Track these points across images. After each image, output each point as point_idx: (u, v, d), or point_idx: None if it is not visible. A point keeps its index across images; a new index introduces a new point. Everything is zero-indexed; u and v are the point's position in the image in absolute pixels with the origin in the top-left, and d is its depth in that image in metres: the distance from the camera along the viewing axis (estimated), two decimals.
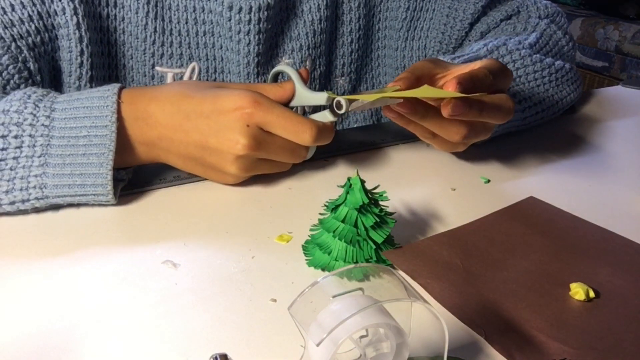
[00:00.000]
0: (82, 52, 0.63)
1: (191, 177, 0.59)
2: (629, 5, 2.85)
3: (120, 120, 0.53)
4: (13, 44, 0.58)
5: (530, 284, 0.45)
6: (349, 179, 0.46)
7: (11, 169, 0.50)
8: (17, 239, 0.49)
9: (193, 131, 0.54)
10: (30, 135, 0.50)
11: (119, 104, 0.53)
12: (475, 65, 0.56)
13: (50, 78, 0.64)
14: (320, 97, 0.55)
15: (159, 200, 0.56)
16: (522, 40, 0.74)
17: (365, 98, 0.52)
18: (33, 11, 0.60)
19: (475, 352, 0.38)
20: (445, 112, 0.50)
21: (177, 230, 0.51)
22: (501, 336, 0.39)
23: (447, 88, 0.50)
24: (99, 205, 0.54)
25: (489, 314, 0.41)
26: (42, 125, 0.51)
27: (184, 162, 0.57)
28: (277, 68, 0.62)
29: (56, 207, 0.53)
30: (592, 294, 0.43)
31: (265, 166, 0.58)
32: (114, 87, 0.53)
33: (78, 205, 0.54)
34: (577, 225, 0.54)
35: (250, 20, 0.67)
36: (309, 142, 0.54)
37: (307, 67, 0.75)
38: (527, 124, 0.73)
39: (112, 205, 0.54)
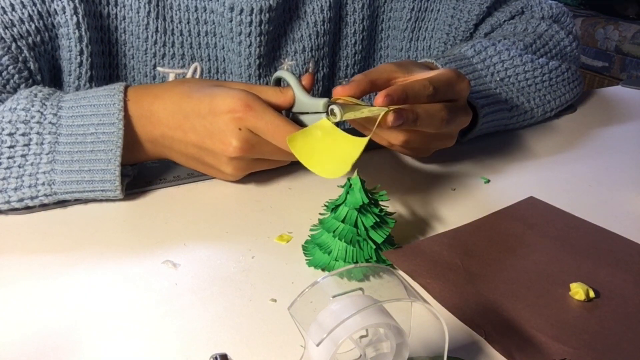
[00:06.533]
0: (81, 52, 0.63)
1: (191, 177, 0.59)
2: (629, 5, 2.85)
3: (126, 117, 0.53)
4: (13, 44, 0.58)
5: (530, 284, 0.45)
6: (349, 179, 0.46)
7: (19, 166, 0.51)
8: (16, 238, 0.49)
9: (191, 131, 0.54)
10: (38, 133, 0.51)
11: (125, 101, 0.54)
12: (424, 75, 0.55)
13: (51, 77, 0.64)
14: (318, 104, 0.54)
15: (159, 200, 0.56)
16: (516, 41, 0.74)
17: (359, 114, 0.50)
18: (33, 11, 0.60)
19: (475, 352, 0.38)
20: (384, 123, 0.50)
21: (177, 230, 0.51)
22: (501, 336, 0.39)
23: (377, 98, 0.50)
24: (99, 204, 0.54)
25: (489, 314, 0.41)
26: (50, 123, 0.51)
27: (186, 160, 0.57)
28: (277, 74, 0.61)
29: (56, 208, 0.53)
30: (592, 294, 0.43)
31: (263, 164, 0.58)
32: (119, 86, 0.54)
33: (79, 205, 0.54)
34: (577, 225, 0.54)
35: (251, 22, 0.67)
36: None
37: (310, 69, 0.74)
38: (515, 122, 0.73)
39: (113, 204, 0.54)
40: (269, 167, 0.59)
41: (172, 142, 0.55)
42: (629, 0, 2.85)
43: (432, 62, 0.65)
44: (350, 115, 0.50)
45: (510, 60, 0.72)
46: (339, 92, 0.52)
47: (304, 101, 0.55)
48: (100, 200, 0.55)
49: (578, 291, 0.43)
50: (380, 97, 0.49)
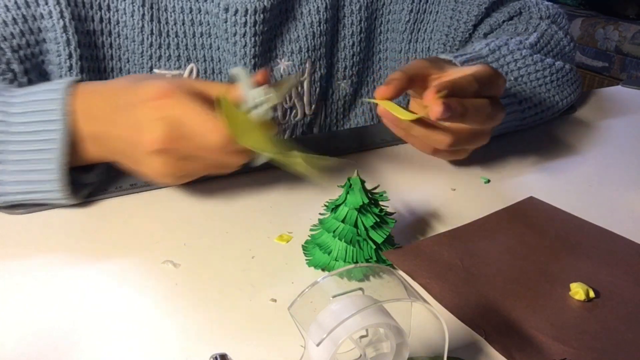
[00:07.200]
0: (70, 55, 0.63)
1: None
2: (629, 5, 2.85)
3: (71, 114, 0.49)
4: None
5: (530, 284, 0.45)
6: (349, 179, 0.46)
7: None
8: (16, 238, 0.49)
9: (119, 125, 0.49)
10: None
11: (70, 97, 0.50)
12: (467, 71, 0.55)
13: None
14: (260, 93, 0.49)
15: (159, 201, 0.56)
16: (522, 40, 0.74)
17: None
18: (18, 14, 0.59)
19: (475, 352, 0.38)
20: (433, 114, 0.50)
21: (177, 230, 0.51)
22: (501, 336, 0.39)
23: (427, 95, 0.50)
24: (99, 204, 0.54)
25: (489, 314, 0.41)
26: (1, 121, 0.49)
27: (123, 159, 0.51)
28: (231, 71, 0.57)
29: (55, 208, 0.53)
30: (592, 294, 0.43)
31: (195, 165, 0.50)
32: (67, 81, 0.51)
33: (79, 205, 0.54)
34: (577, 225, 0.54)
35: (246, 23, 0.67)
36: (216, 143, 0.46)
37: (307, 69, 0.74)
38: (526, 124, 0.73)
39: (113, 204, 0.54)
40: (206, 172, 0.52)
41: (108, 139, 0.50)
42: (629, 1, 2.85)
43: (450, 59, 0.64)
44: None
45: (522, 60, 0.71)
46: (382, 93, 0.53)
47: (252, 95, 0.50)
48: (100, 200, 0.54)
49: (578, 291, 0.43)
50: (431, 93, 0.49)
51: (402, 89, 0.53)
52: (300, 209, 0.55)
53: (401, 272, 0.46)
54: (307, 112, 0.76)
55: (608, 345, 0.39)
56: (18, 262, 0.46)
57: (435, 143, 0.56)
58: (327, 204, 0.48)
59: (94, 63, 0.66)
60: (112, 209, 0.54)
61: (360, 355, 0.33)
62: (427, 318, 0.38)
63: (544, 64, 0.73)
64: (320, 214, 0.49)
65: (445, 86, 0.50)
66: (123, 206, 0.54)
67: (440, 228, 0.53)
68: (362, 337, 0.33)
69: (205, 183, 0.59)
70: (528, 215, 0.55)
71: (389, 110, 0.54)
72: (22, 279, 0.44)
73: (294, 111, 0.75)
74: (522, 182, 0.63)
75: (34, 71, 0.63)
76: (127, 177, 0.56)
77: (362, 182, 0.46)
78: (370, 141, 0.70)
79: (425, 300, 0.30)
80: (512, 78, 0.70)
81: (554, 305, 0.43)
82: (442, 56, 0.65)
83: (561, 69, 0.75)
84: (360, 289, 0.31)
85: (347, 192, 0.46)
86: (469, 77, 0.53)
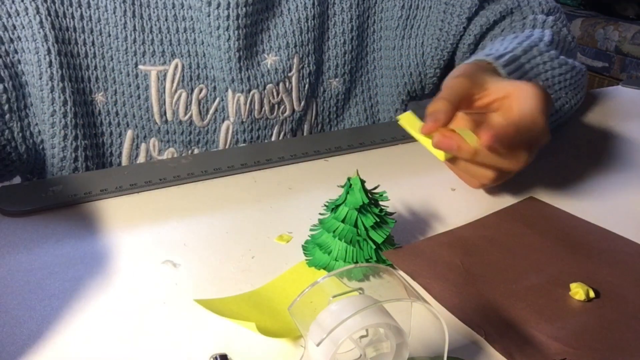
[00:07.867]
0: (49, 51, 0.63)
1: (191, 177, 0.59)
2: (629, 5, 2.85)
3: None
4: None
5: (530, 284, 0.45)
6: (349, 179, 0.46)
7: None
8: (16, 238, 0.49)
9: None
10: None
11: None
12: (514, 113, 0.52)
13: (14, 85, 0.63)
14: None
15: (159, 200, 0.56)
16: (542, 38, 0.71)
17: None
18: None
19: (475, 352, 0.38)
20: (484, 140, 0.48)
21: (177, 230, 0.51)
22: (501, 336, 0.39)
23: (483, 137, 0.48)
24: (98, 204, 0.54)
25: (489, 314, 0.41)
26: None
27: None
28: None
29: (54, 208, 0.53)
30: (592, 294, 0.43)
31: None
32: None
33: (78, 205, 0.54)
34: (577, 225, 0.54)
35: (228, 16, 0.67)
36: None
37: (294, 64, 0.74)
38: (550, 127, 0.71)
39: (112, 204, 0.54)
40: None
41: None
42: (629, 1, 2.85)
43: (490, 61, 0.61)
44: None
45: (550, 62, 0.68)
46: (429, 129, 0.51)
47: None
48: (100, 200, 0.55)
49: (578, 291, 0.43)
50: (488, 139, 0.48)
51: (450, 118, 0.51)
52: (300, 209, 0.55)
53: (401, 272, 0.46)
54: (296, 108, 0.75)
55: (608, 345, 0.39)
56: (17, 262, 0.46)
57: (478, 178, 0.55)
58: (327, 204, 0.48)
59: (77, 60, 0.66)
60: (112, 209, 0.54)
61: (360, 355, 0.33)
62: (427, 318, 0.38)
63: (567, 67, 0.70)
64: (320, 214, 0.49)
65: (503, 133, 0.48)
66: (123, 206, 0.54)
67: (440, 228, 0.53)
68: (362, 337, 0.33)
69: (205, 183, 0.59)
70: (528, 215, 0.55)
71: (426, 146, 0.52)
72: (22, 279, 0.44)
73: (282, 106, 0.74)
74: (522, 182, 0.63)
75: (6, 69, 0.62)
76: (127, 177, 0.56)
77: (362, 182, 0.46)
78: (370, 141, 0.70)
79: (425, 300, 0.30)
80: (541, 81, 0.67)
81: (554, 305, 0.43)
82: (480, 56, 0.61)
83: (580, 70, 0.72)
84: (360, 289, 0.31)
85: (347, 192, 0.46)
86: (527, 119, 0.50)
